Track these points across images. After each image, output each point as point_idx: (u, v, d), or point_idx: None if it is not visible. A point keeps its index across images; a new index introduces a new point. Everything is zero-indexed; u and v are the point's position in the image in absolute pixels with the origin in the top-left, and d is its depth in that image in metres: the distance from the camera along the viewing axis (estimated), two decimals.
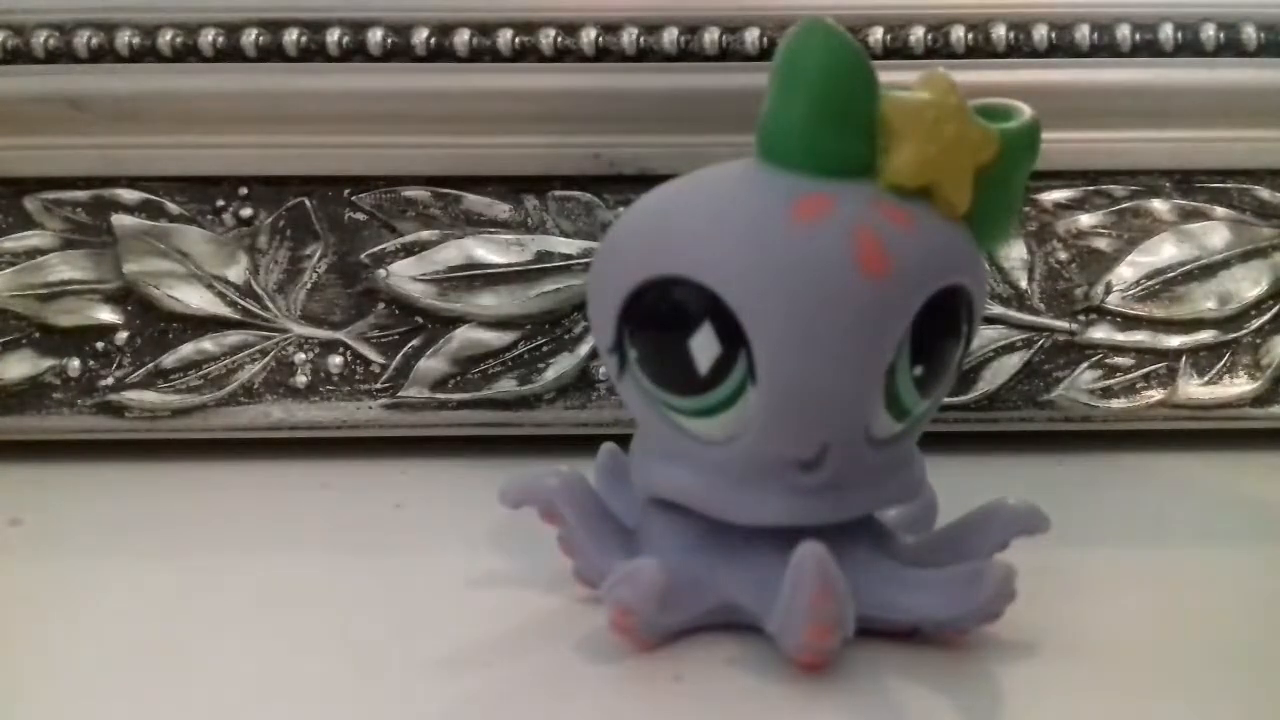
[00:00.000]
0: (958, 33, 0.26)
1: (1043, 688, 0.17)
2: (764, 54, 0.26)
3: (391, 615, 0.19)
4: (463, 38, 0.26)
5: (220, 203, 0.26)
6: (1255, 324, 0.27)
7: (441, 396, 0.26)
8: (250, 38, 0.26)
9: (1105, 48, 0.26)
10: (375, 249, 0.26)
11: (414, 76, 0.26)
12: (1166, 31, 0.26)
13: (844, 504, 0.17)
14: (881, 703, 0.17)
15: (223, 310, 0.26)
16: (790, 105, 0.17)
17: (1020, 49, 0.26)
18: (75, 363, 0.26)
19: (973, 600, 0.17)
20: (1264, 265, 0.27)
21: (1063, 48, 0.26)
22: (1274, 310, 0.27)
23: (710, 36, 0.26)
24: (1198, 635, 0.19)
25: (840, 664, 0.17)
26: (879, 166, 0.17)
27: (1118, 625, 0.19)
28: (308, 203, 0.26)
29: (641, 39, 0.26)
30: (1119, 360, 0.27)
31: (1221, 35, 0.26)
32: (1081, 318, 0.27)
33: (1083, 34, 0.26)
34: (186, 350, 0.26)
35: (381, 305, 0.26)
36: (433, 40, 0.26)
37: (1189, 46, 0.26)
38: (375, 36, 0.26)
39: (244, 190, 0.26)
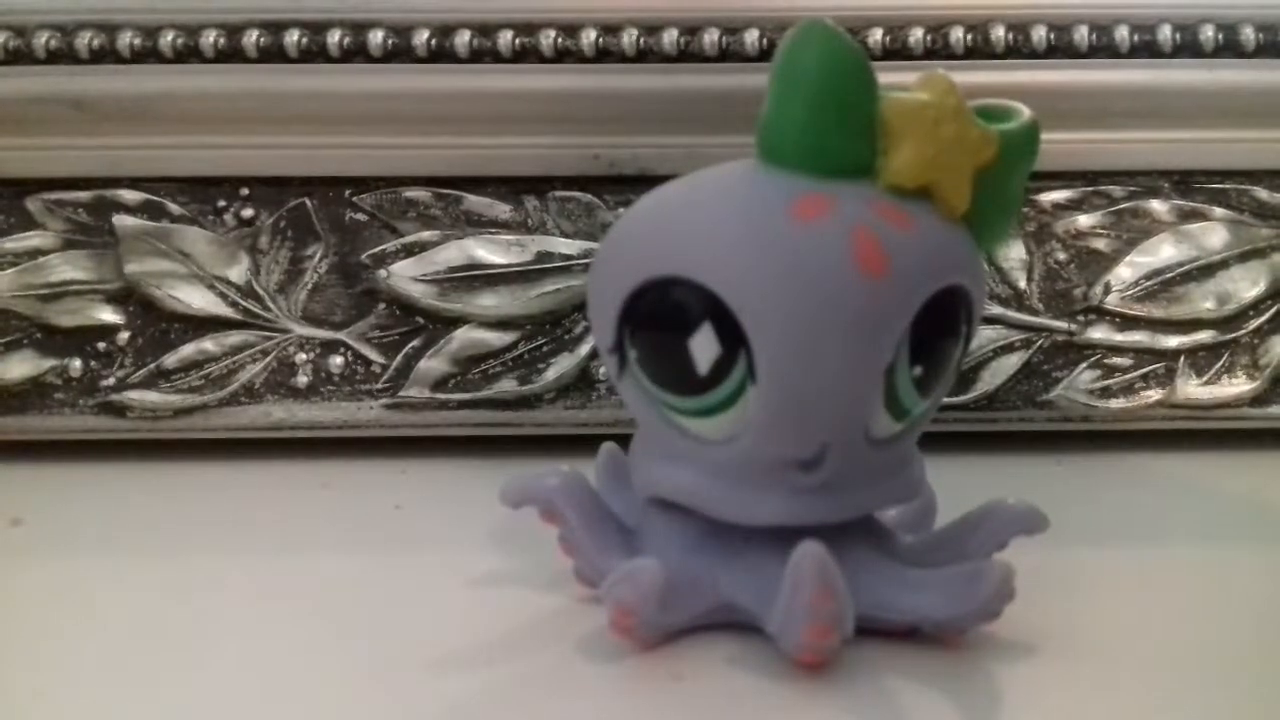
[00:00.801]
0: (957, 34, 0.26)
1: (1042, 688, 0.17)
2: (764, 55, 0.26)
3: (391, 615, 0.19)
4: (463, 39, 0.26)
5: (221, 203, 0.26)
6: (1254, 324, 0.27)
7: (442, 396, 0.26)
8: (251, 39, 0.26)
9: (1104, 48, 0.26)
10: (376, 249, 0.26)
11: (415, 77, 0.26)
12: (1165, 32, 0.26)
13: (844, 504, 0.17)
14: (881, 703, 0.17)
15: (224, 310, 0.26)
16: (790, 106, 0.17)
17: (1019, 50, 0.26)
18: (77, 363, 0.26)
19: (972, 600, 0.17)
20: (1262, 266, 0.27)
21: (1061, 49, 0.26)
22: (1272, 310, 0.27)
23: (710, 37, 0.26)
24: (1197, 635, 0.19)
25: (840, 664, 0.17)
26: (878, 167, 0.17)
27: (1117, 625, 0.19)
28: (309, 203, 0.26)
29: (641, 40, 0.26)
30: (1118, 360, 0.27)
31: (1220, 36, 0.26)
32: (1080, 318, 0.27)
33: (1081, 35, 0.26)
34: (188, 350, 0.26)
35: (382, 305, 0.26)
36: (433, 41, 0.26)
37: (1188, 47, 0.26)
38: (376, 38, 0.26)
39: (245, 191, 0.26)
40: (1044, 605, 0.18)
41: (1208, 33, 0.26)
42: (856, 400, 0.17)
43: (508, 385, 0.26)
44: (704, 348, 0.16)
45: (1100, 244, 0.27)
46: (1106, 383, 0.27)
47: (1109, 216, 0.27)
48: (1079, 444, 0.27)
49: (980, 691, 0.17)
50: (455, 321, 0.26)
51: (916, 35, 0.26)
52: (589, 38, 0.26)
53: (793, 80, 0.17)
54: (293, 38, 0.26)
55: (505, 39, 0.26)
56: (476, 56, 0.26)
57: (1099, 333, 0.27)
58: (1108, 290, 0.27)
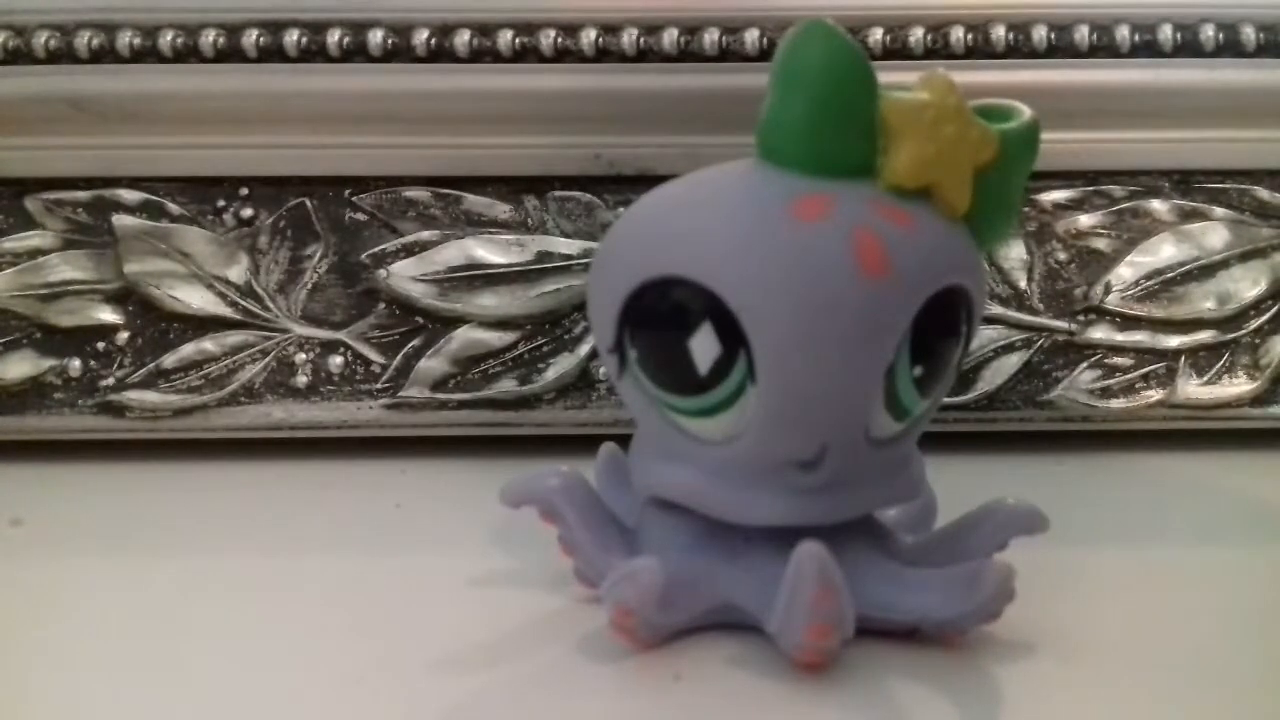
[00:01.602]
0: (957, 33, 0.26)
1: (1042, 688, 0.17)
2: (764, 54, 0.26)
3: (391, 615, 0.19)
4: (463, 38, 0.26)
5: (221, 203, 0.26)
6: (1254, 324, 0.27)
7: (442, 396, 0.26)
8: (251, 38, 0.26)
9: (1104, 48, 0.26)
10: (376, 249, 0.26)
11: (414, 77, 0.26)
12: (1165, 32, 0.26)
13: (843, 504, 0.17)
14: (881, 703, 0.17)
15: (223, 310, 0.26)
16: (790, 106, 0.17)
17: (1020, 50, 0.26)
18: (76, 363, 0.26)
19: (972, 600, 0.17)
20: (1263, 265, 0.27)
21: (1062, 48, 0.26)
22: (1273, 310, 0.27)
23: (710, 37, 0.26)
24: (1197, 635, 0.19)
25: (840, 664, 0.17)
26: (878, 167, 0.17)
27: (1117, 625, 0.19)
28: (308, 203, 0.26)
29: (641, 39, 0.26)
30: (1118, 360, 0.27)
31: (1220, 36, 0.26)
32: (1081, 318, 0.27)
33: (1082, 35, 0.26)
34: (187, 350, 0.26)
35: (382, 305, 0.26)
36: (433, 41, 0.26)
37: (1188, 47, 0.26)
38: (376, 37, 0.26)
39: (245, 190, 0.26)
40: (1044, 605, 0.18)
41: (1208, 33, 0.26)
42: (857, 400, 0.17)
43: (508, 385, 0.26)
44: (704, 348, 0.16)
45: (1101, 244, 0.27)
46: (1107, 383, 0.27)
47: (1109, 216, 0.27)
48: (1079, 444, 0.27)
49: (980, 692, 0.17)
50: (455, 321, 0.26)
51: (917, 35, 0.26)
52: (589, 38, 0.26)
53: (793, 80, 0.17)
54: (292, 37, 0.26)
55: (505, 39, 0.26)
56: (476, 56, 0.26)
57: (1099, 333, 0.27)
58: (1108, 290, 0.27)
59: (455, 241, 0.26)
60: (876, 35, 0.26)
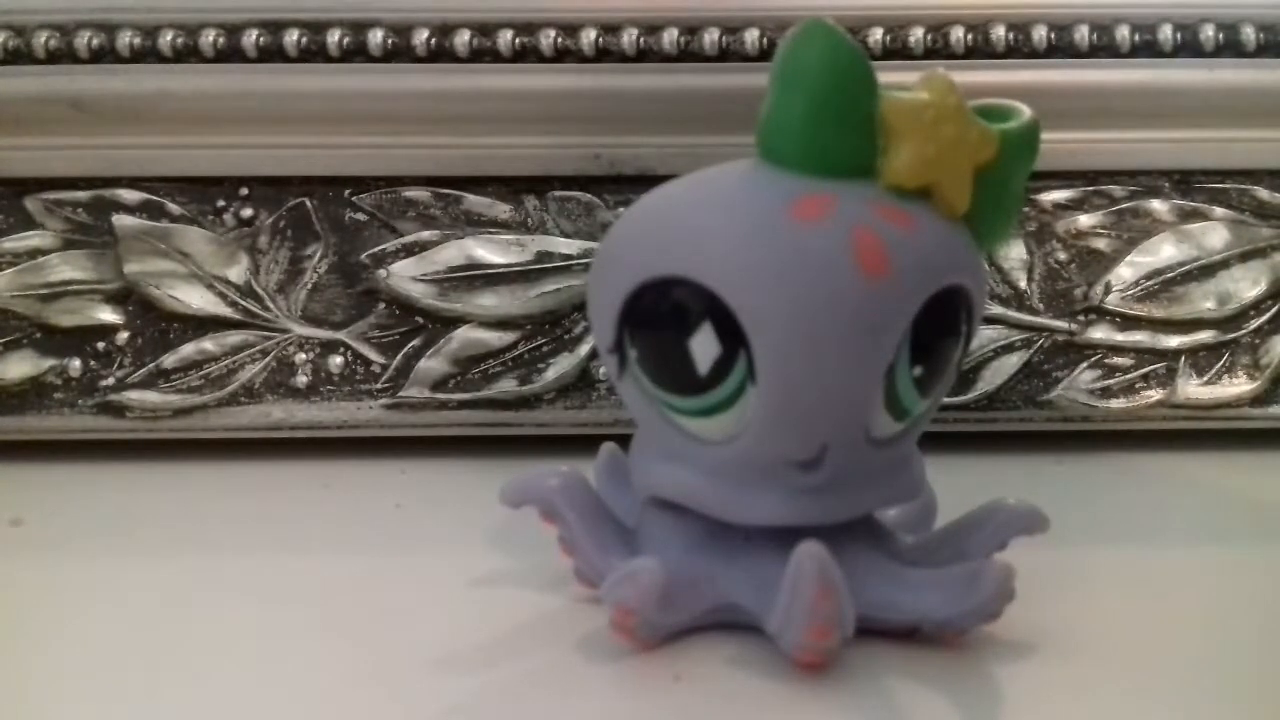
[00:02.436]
0: (957, 33, 0.26)
1: (1042, 688, 0.17)
2: (764, 54, 0.26)
3: (391, 615, 0.19)
4: (463, 38, 0.26)
5: (221, 203, 0.26)
6: (1254, 324, 0.27)
7: (442, 396, 0.26)
8: (251, 38, 0.26)
9: (1104, 48, 0.26)
10: (376, 249, 0.26)
11: (414, 77, 0.26)
12: (1165, 32, 0.26)
13: (844, 504, 0.17)
14: (881, 703, 0.17)
15: (223, 310, 0.26)
16: (790, 106, 0.17)
17: (1019, 49, 0.26)
18: (76, 363, 0.26)
19: (972, 600, 0.17)
20: (1263, 265, 0.27)
21: (1062, 48, 0.26)
22: (1273, 310, 0.27)
23: (710, 37, 0.26)
24: (1197, 635, 0.19)
25: (840, 664, 0.17)
26: (878, 167, 0.17)
27: (1117, 625, 0.19)
28: (308, 203, 0.26)
29: (641, 39, 0.26)
30: (1118, 360, 0.27)
31: (1220, 36, 0.26)
32: (1081, 318, 0.27)
33: (1082, 35, 0.26)
34: (187, 350, 0.26)
35: (382, 305, 0.26)
36: (433, 41, 0.26)
37: (1188, 47, 0.26)
38: (376, 37, 0.26)
39: (245, 191, 0.26)
40: (1044, 605, 0.18)
41: (1208, 33, 0.26)
42: (857, 400, 0.17)
43: (508, 385, 0.26)
44: (704, 348, 0.16)
45: (1101, 244, 0.27)
46: (1107, 383, 0.27)
47: (1109, 216, 0.27)
48: (1079, 444, 0.27)
49: (980, 692, 0.17)
50: (455, 321, 0.26)
51: (917, 35, 0.26)
52: (589, 37, 0.26)
53: (793, 80, 0.17)
54: (292, 37, 0.26)
55: (505, 39, 0.26)
56: (476, 56, 0.26)
57: (1099, 332, 0.27)
58: (1108, 290, 0.27)
59: (455, 241, 0.26)
60: (876, 35, 0.26)
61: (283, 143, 0.26)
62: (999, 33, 0.26)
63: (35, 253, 0.26)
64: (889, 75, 0.17)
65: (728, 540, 0.18)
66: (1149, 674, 0.18)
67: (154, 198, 0.26)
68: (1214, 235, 0.27)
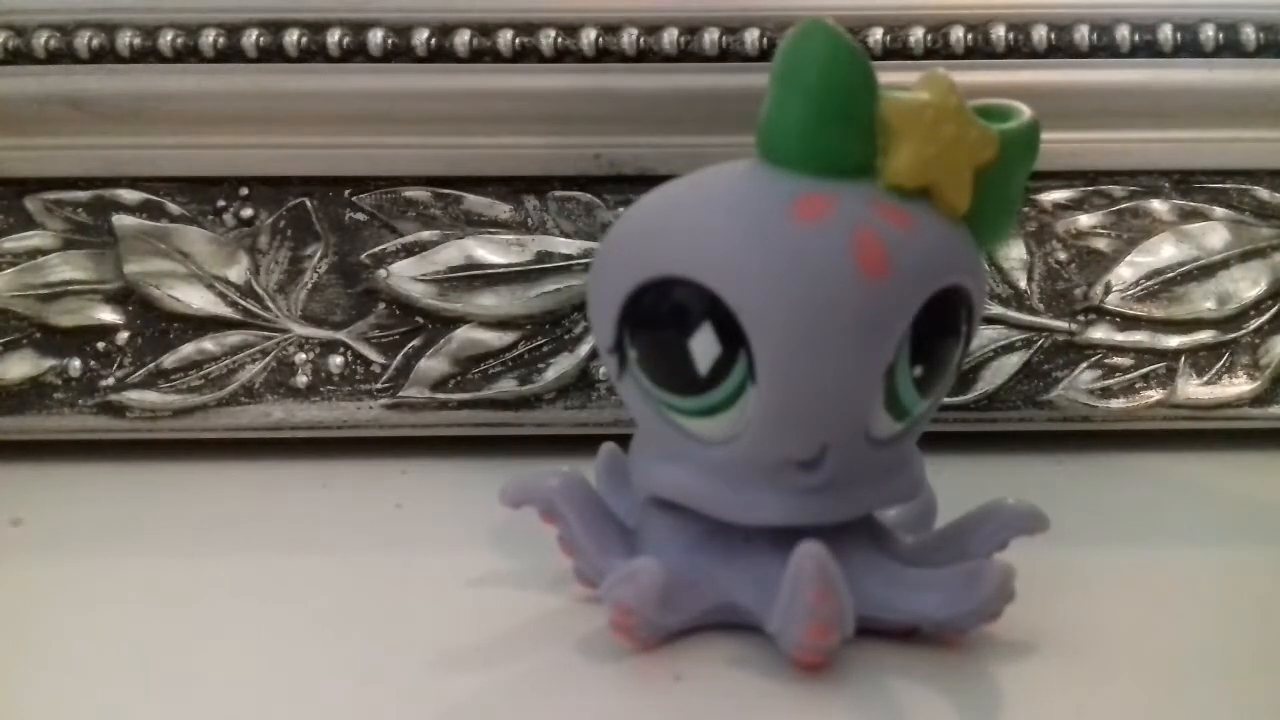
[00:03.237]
0: (957, 33, 0.26)
1: (1042, 688, 0.17)
2: (764, 54, 0.26)
3: (391, 615, 0.19)
4: (463, 38, 0.26)
5: (221, 203, 0.26)
6: (1254, 324, 0.27)
7: (442, 396, 0.26)
8: (251, 38, 0.26)
9: (1104, 48, 0.26)
10: (376, 249, 0.26)
11: (414, 77, 0.26)
12: (1165, 32, 0.26)
13: (843, 504, 0.17)
14: (881, 703, 0.17)
15: (223, 310, 0.26)
16: (790, 106, 0.17)
17: (1020, 49, 0.26)
18: (76, 363, 0.26)
19: (972, 600, 0.17)
20: (1263, 265, 0.27)
21: (1062, 48, 0.26)
22: (1273, 310, 0.27)
23: (710, 37, 0.26)
24: (1197, 635, 0.19)
25: (840, 664, 0.17)
26: (879, 167, 0.17)
27: (1117, 625, 0.19)
28: (308, 203, 0.26)
29: (641, 39, 0.26)
30: (1118, 360, 0.27)
31: (1220, 36, 0.26)
32: (1081, 318, 0.27)
33: (1082, 35, 0.26)
34: (187, 350, 0.26)
35: (382, 305, 0.26)
36: (433, 41, 0.26)
37: (1188, 47, 0.26)
38: (376, 37, 0.26)
39: (245, 190, 0.26)
40: (1044, 605, 0.18)
41: (1208, 33, 0.26)
42: (857, 400, 0.17)
43: (508, 385, 0.26)
44: (704, 348, 0.16)
45: (1101, 244, 0.27)
46: (1107, 383, 0.27)
47: (1109, 216, 0.27)
48: (1079, 444, 0.27)
49: (980, 692, 0.17)
50: (455, 321, 0.26)
51: (917, 35, 0.26)
52: (589, 38, 0.26)
53: (793, 80, 0.17)
54: (292, 37, 0.26)
55: (505, 39, 0.26)
56: (476, 56, 0.26)
57: (1099, 333, 0.27)
58: (1108, 290, 0.27)
59: (455, 241, 0.26)
60: (876, 35, 0.26)
61: (283, 143, 0.26)
62: (999, 33, 0.26)
63: (35, 253, 0.26)
64: (889, 75, 0.17)
65: (727, 540, 0.18)
66: (1149, 674, 0.18)
67: (154, 198, 0.26)
68: (1214, 235, 0.27)
